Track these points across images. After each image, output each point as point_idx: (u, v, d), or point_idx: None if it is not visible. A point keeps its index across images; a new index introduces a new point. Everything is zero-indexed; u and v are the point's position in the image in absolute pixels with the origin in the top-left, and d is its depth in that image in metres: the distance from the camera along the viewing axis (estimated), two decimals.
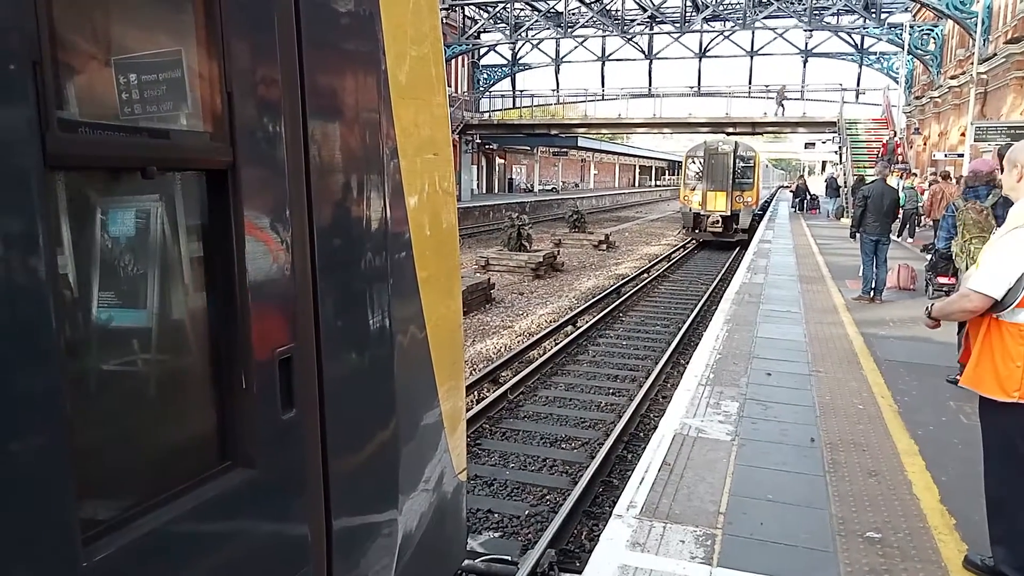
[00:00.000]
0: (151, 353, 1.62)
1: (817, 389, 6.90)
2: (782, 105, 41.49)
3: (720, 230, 26.50)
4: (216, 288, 1.62)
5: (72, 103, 1.29)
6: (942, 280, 8.33)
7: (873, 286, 11.38)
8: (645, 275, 19.04)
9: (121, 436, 1.51)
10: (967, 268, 6.43)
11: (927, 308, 3.86)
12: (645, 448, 5.62)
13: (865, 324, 9.76)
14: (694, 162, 27.50)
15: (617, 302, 15.02)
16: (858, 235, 11.64)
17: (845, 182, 29.15)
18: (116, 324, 1.55)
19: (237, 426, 1.64)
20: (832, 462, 5.16)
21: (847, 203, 26.58)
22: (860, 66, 41.81)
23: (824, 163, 48.05)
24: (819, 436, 5.65)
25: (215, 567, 1.59)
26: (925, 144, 35.34)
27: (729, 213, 26.30)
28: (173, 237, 1.61)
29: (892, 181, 14.08)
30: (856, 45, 41.29)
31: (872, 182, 12.63)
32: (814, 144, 53.31)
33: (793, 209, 36.40)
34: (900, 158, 27.71)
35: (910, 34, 32.46)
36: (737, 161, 26.57)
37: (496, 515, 5.85)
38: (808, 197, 36.56)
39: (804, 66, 43.20)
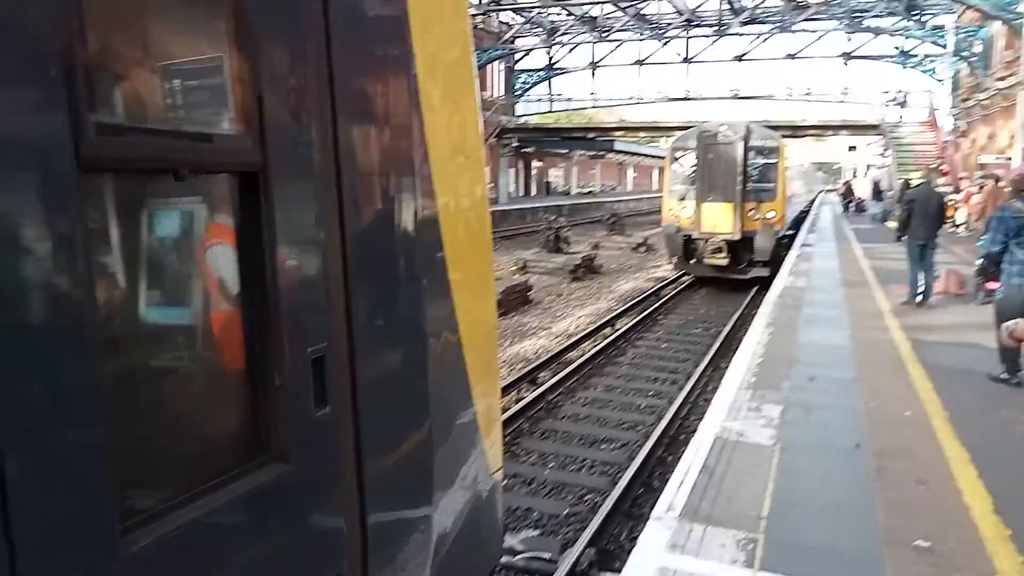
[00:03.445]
0: (187, 351, 1.66)
1: (862, 394, 6.76)
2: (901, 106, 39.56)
3: (725, 263, 17.04)
4: (249, 289, 1.64)
5: (105, 108, 1.31)
6: (992, 285, 8.10)
7: (920, 291, 11.12)
8: (685, 277, 18.85)
9: (158, 430, 1.54)
10: None
11: (1008, 328, 3.77)
12: (684, 451, 5.56)
13: (912, 329, 9.54)
14: (682, 157, 18.24)
15: (656, 304, 14.91)
16: (904, 239, 11.40)
17: (891, 185, 28.54)
18: (151, 324, 1.59)
19: (271, 422, 1.67)
20: (878, 469, 5.05)
21: (893, 206, 25.96)
22: (903, 68, 40.96)
23: (868, 166, 47.14)
24: (865, 442, 5.53)
25: (251, 560, 1.61)
26: (972, 147, 34.48)
27: (739, 236, 16.85)
28: (206, 239, 1.65)
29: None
30: (898, 48, 40.45)
31: (918, 186, 12.35)
32: (856, 147, 52.36)
33: (843, 211, 35.80)
34: (941, 162, 26.95)
35: (954, 36, 31.69)
36: (750, 154, 17.21)
37: (535, 513, 5.84)
38: (855, 199, 35.98)
39: (846, 66, 42.47)
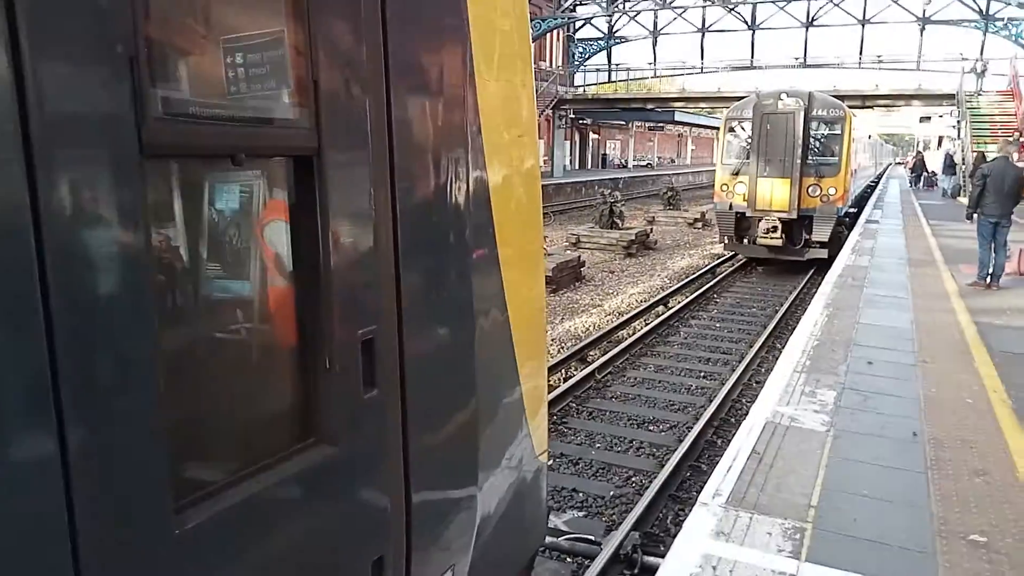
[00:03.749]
0: (239, 335, 1.69)
1: (923, 381, 6.55)
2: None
3: (779, 243, 15.96)
4: (301, 272, 1.67)
5: (166, 95, 1.35)
6: None
7: (990, 271, 10.67)
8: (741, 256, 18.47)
9: (211, 412, 1.59)
10: None
11: None
12: (734, 435, 5.50)
13: (979, 312, 9.17)
14: (738, 128, 17.13)
15: (711, 282, 14.67)
16: (975, 216, 10.90)
17: (963, 158, 27.25)
18: (206, 307, 1.63)
19: (321, 404, 1.70)
20: (935, 459, 4.90)
21: (964, 181, 24.78)
22: (984, 34, 38.83)
23: (940, 138, 45.10)
24: (922, 431, 5.37)
25: (299, 538, 1.66)
26: None
27: (796, 215, 15.74)
28: (261, 222, 1.68)
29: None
30: (980, 10, 38.31)
31: (994, 160, 11.77)
32: (929, 118, 50.10)
33: (910, 185, 34.43)
34: (1020, 134, 25.50)
35: None
36: (812, 125, 16.01)
37: (580, 494, 5.87)
38: (926, 173, 34.54)
39: (921, 34, 40.51)
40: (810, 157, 15.79)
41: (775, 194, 15.84)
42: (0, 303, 1.06)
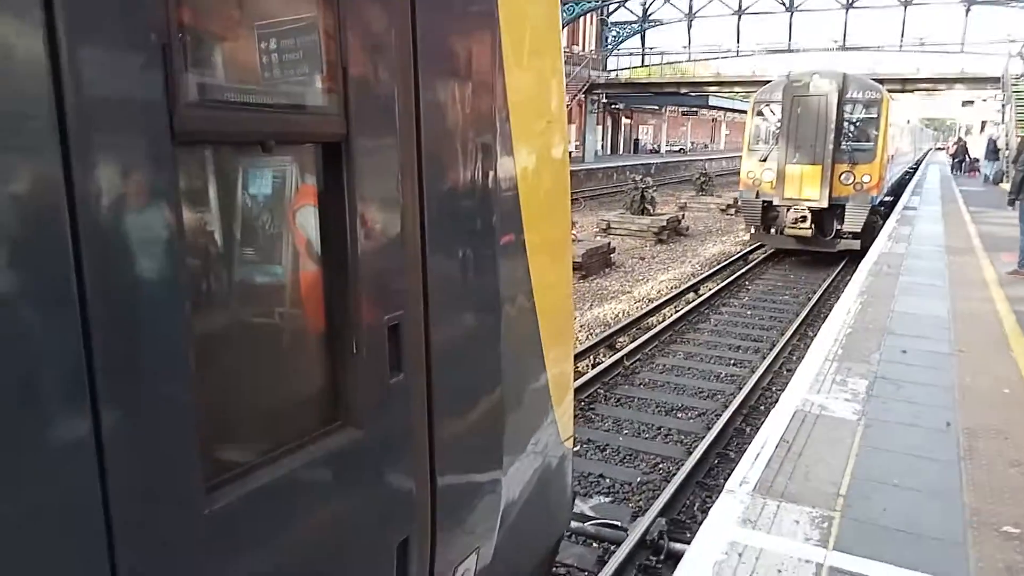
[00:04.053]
0: (269, 319, 1.72)
1: (958, 370, 6.43)
2: None
3: (808, 233, 15.06)
4: (329, 257, 1.69)
5: (198, 83, 1.37)
6: None
7: None
8: None
9: (241, 394, 1.62)
10: None
11: None
12: (763, 423, 5.46)
13: (1019, 301, 8.96)
14: (767, 112, 16.22)
15: (743, 269, 14.54)
16: (1018, 203, 10.63)
17: (1007, 143, 26.51)
18: (237, 292, 1.66)
19: (347, 388, 1.73)
20: (969, 449, 4.82)
21: (1007, 167, 24.11)
22: None
23: (984, 123, 43.89)
24: (956, 421, 5.29)
25: (327, 520, 1.70)
26: None
27: (827, 204, 14.74)
28: (289, 208, 1.70)
29: None
30: None
31: None
32: (972, 102, 48.75)
33: (951, 171, 33.69)
34: None
35: None
36: (846, 108, 15.02)
37: (607, 480, 5.89)
38: (968, 159, 33.79)
39: (966, 15, 39.35)
40: (844, 142, 14.89)
41: (805, 181, 14.91)
42: (37, 289, 1.09)
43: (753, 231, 16.34)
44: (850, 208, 14.77)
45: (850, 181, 14.76)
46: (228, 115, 1.44)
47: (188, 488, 1.33)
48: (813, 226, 14.93)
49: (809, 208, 14.82)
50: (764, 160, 15.51)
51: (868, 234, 14.82)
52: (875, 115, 15.06)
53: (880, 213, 16.67)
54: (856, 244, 14.83)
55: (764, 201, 15.45)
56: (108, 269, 1.17)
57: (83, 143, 1.11)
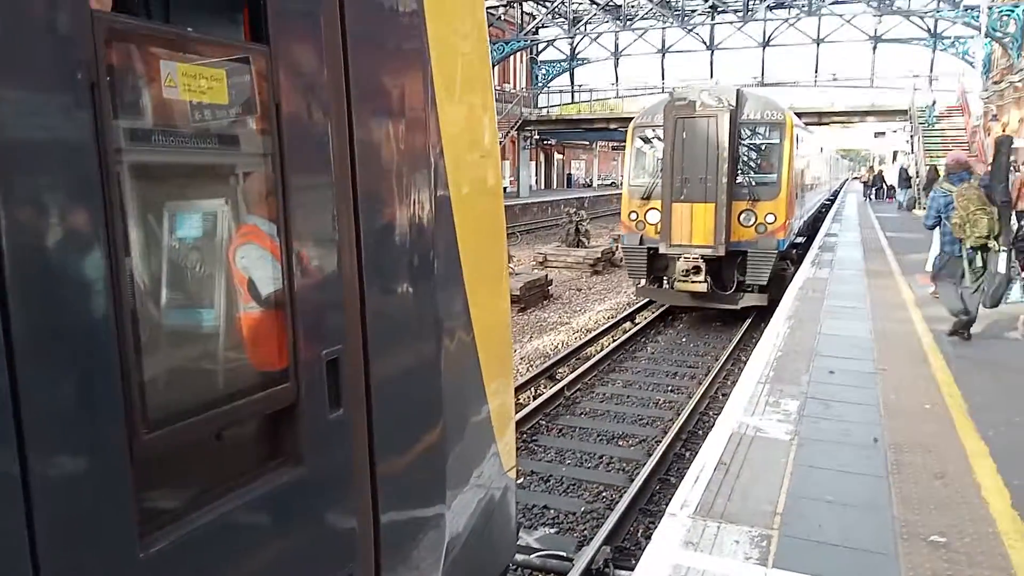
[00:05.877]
0: (201, 355, 1.70)
1: (882, 388, 6.70)
2: None
3: (703, 289, 12.04)
4: (264, 292, 1.69)
5: (127, 122, 1.36)
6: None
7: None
8: None
9: (177, 433, 1.58)
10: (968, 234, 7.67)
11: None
12: (701, 447, 5.57)
13: (936, 320, 9.40)
14: (648, 139, 13.17)
15: None
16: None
17: (917, 172, 28.02)
18: (166, 329, 1.63)
19: (286, 425, 1.71)
20: (896, 463, 5.02)
21: (919, 194, 25.45)
22: (933, 51, 40.12)
23: (895, 153, 46.31)
24: (883, 436, 5.50)
25: (265, 559, 1.66)
26: (1004, 131, 33.72)
27: (723, 251, 11.89)
28: (225, 247, 1.69)
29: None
30: (929, 29, 39.59)
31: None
32: (884, 133, 51.44)
33: (865, 198, 35.44)
34: (972, 144, 26.28)
35: (988, 16, 30.99)
36: (743, 131, 12.28)
37: (552, 511, 5.89)
38: (884, 186, 35.86)
39: (873, 53, 41.75)
40: (742, 174, 12.17)
41: (696, 224, 11.91)
42: None
43: (639, 285, 13.42)
44: (753, 256, 11.97)
45: (751, 222, 11.97)
46: (160, 154, 1.43)
47: (122, 531, 1.30)
48: (709, 279, 11.97)
49: (703, 257, 11.87)
50: (648, 198, 12.58)
51: (777, 285, 12.24)
52: (776, 140, 12.28)
53: (791, 258, 14.10)
54: (763, 299, 12.21)
55: (649, 248, 12.55)
56: (38, 312, 1.15)
57: (6, 183, 1.10)
